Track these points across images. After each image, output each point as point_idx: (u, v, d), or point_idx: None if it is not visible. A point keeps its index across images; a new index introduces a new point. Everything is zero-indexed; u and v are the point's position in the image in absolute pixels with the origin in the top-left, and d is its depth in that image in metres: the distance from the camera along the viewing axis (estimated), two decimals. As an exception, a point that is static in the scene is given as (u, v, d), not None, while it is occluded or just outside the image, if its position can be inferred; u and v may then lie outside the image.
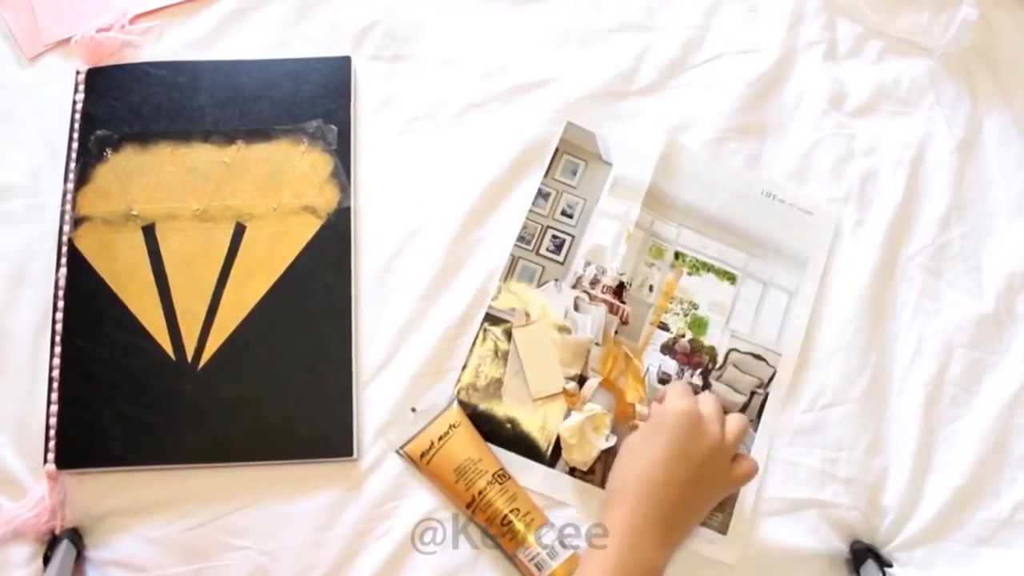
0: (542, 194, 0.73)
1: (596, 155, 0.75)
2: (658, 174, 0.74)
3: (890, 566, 0.64)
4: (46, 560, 0.61)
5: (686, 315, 0.71)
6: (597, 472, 0.66)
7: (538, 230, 0.72)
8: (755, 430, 0.68)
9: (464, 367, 0.68)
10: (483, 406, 0.67)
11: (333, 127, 0.73)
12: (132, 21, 0.76)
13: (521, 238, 0.72)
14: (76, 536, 0.63)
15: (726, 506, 0.66)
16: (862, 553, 0.64)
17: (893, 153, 0.76)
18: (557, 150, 0.74)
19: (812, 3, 0.80)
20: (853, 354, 0.70)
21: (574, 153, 0.74)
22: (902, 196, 0.74)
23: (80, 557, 0.62)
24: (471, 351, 0.69)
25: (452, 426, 0.65)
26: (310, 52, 0.76)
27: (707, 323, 0.71)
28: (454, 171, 0.74)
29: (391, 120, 0.75)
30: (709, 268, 0.72)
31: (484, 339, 0.69)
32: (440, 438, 0.65)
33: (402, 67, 0.77)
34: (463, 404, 0.67)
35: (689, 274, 0.72)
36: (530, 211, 0.73)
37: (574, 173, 0.74)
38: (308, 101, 0.73)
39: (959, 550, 0.66)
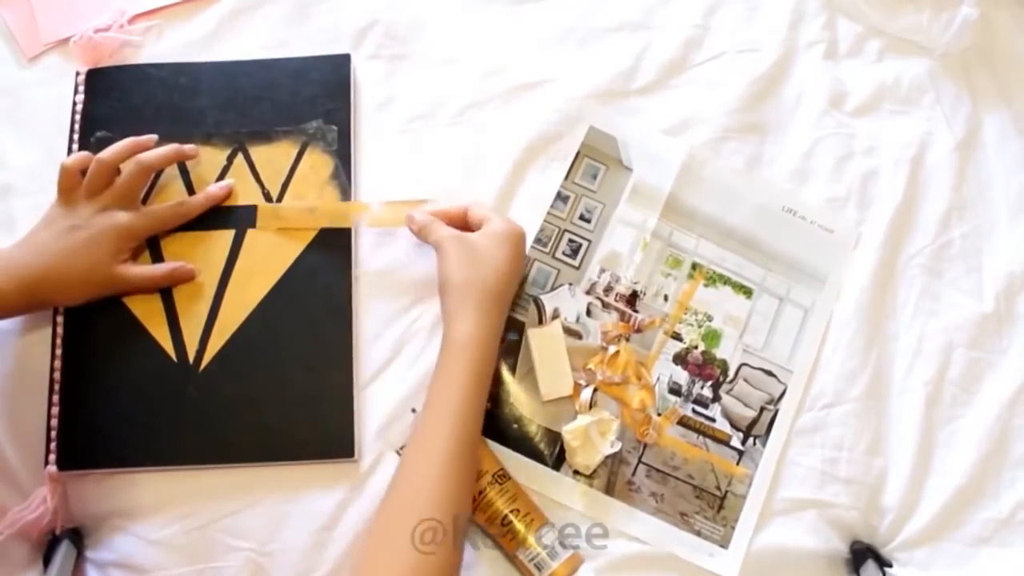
0: (561, 197, 0.73)
1: (617, 160, 0.74)
2: (679, 183, 0.73)
3: (890, 566, 0.64)
4: (46, 561, 0.61)
5: (700, 326, 0.71)
6: (600, 476, 0.66)
7: (555, 233, 0.72)
8: (764, 446, 0.68)
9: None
10: (490, 405, 0.67)
11: (333, 128, 0.72)
12: (131, 21, 0.76)
13: (538, 240, 0.72)
14: (76, 537, 0.63)
15: (729, 520, 0.66)
16: (862, 553, 0.65)
17: (893, 153, 0.76)
18: (579, 153, 0.74)
19: (812, 2, 0.80)
20: (853, 354, 0.70)
21: (595, 157, 0.74)
22: (902, 196, 0.74)
23: (80, 558, 0.63)
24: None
25: (452, 427, 0.65)
26: (310, 52, 0.75)
27: (720, 336, 0.71)
28: (454, 171, 0.74)
29: (391, 119, 0.75)
30: (726, 281, 0.72)
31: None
32: (440, 439, 0.65)
33: (402, 66, 0.77)
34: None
35: (705, 286, 0.71)
36: (548, 213, 0.72)
37: (594, 177, 0.74)
38: (308, 101, 0.73)
39: (959, 550, 0.66)
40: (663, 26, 0.79)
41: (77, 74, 0.74)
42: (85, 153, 0.66)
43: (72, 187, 0.65)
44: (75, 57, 0.74)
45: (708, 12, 0.79)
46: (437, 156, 0.74)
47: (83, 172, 0.66)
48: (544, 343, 0.69)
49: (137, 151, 0.67)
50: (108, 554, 0.63)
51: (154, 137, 0.69)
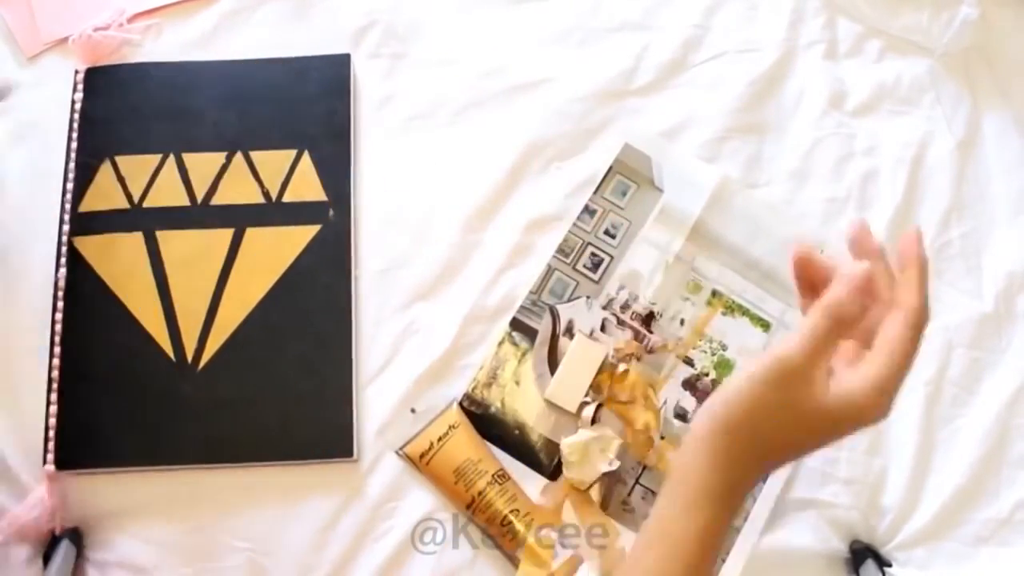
0: (588, 210, 0.72)
1: (649, 180, 0.74)
2: (708, 209, 0.73)
3: (889, 566, 0.64)
4: (46, 560, 0.61)
5: (713, 355, 0.70)
6: (595, 492, 0.66)
7: (578, 245, 0.72)
8: (764, 481, 0.67)
9: (481, 367, 0.68)
10: (494, 409, 0.67)
11: (333, 127, 0.72)
12: (130, 20, 0.76)
13: (560, 250, 0.71)
14: (76, 536, 0.63)
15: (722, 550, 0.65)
16: (861, 553, 0.65)
17: (893, 152, 0.76)
18: (611, 169, 0.73)
19: (812, 2, 0.80)
20: (853, 354, 0.70)
21: (627, 174, 0.74)
22: (902, 196, 0.74)
23: (80, 557, 0.62)
24: (494, 353, 0.68)
25: (451, 427, 0.65)
26: (309, 51, 0.75)
27: (733, 366, 0.70)
28: (454, 170, 0.74)
29: (391, 119, 0.75)
30: (744, 312, 0.71)
31: (508, 343, 0.69)
32: (440, 439, 0.65)
33: (401, 66, 0.77)
34: (475, 404, 0.67)
35: (723, 314, 0.71)
36: (574, 225, 0.72)
37: (624, 194, 0.73)
38: (308, 100, 0.73)
39: (958, 549, 0.66)
40: (663, 26, 0.79)
41: (76, 73, 0.74)
42: None
43: None
44: (74, 56, 0.74)
45: (708, 12, 0.79)
46: (436, 155, 0.74)
47: None
48: (580, 352, 0.68)
49: None
50: (108, 554, 0.63)
51: None
